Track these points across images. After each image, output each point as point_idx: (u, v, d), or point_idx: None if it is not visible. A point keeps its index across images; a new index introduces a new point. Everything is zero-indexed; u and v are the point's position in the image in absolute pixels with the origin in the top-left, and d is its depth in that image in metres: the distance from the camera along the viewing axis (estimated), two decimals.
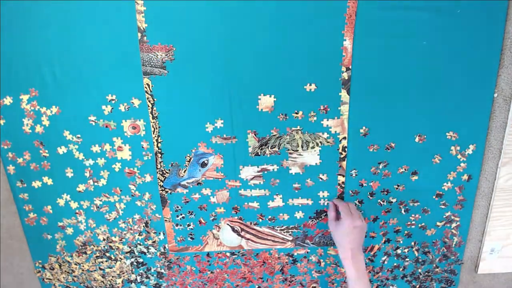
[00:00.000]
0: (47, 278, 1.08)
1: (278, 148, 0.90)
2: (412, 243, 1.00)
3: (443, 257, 1.02)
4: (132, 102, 0.86)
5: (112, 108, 0.87)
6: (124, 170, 0.92)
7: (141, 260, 1.04)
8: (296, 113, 0.86)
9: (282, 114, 0.86)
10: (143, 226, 0.99)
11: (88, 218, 0.99)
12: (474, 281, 1.06)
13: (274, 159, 0.91)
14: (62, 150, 0.91)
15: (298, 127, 0.88)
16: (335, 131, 0.88)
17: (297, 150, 0.90)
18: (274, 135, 0.88)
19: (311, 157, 0.91)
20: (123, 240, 1.01)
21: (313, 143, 0.89)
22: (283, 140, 0.89)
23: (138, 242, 1.01)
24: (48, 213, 0.99)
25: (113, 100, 0.86)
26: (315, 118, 0.86)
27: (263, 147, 0.89)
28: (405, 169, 0.91)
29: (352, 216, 0.86)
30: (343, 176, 0.92)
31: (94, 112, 0.87)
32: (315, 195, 0.94)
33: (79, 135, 0.89)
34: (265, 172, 0.92)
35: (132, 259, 1.04)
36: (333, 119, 0.86)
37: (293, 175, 0.92)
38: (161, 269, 1.05)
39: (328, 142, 0.89)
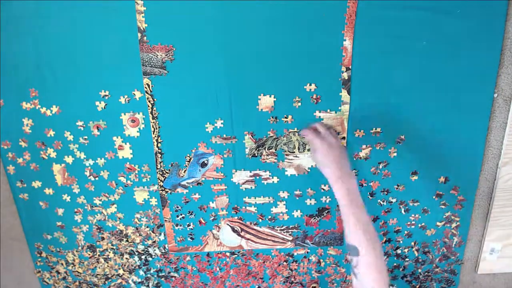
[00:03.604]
0: (47, 278, 1.09)
1: (275, 150, 0.90)
2: (412, 243, 1.00)
3: (443, 257, 1.02)
4: (132, 100, 0.86)
5: (106, 104, 0.87)
6: (125, 165, 0.92)
7: (139, 259, 1.04)
8: (285, 117, 0.86)
9: (273, 117, 0.86)
10: (149, 230, 0.99)
11: (86, 217, 0.99)
12: (474, 281, 1.06)
13: (271, 167, 0.91)
14: (62, 149, 0.91)
15: (296, 129, 0.88)
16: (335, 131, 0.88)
17: (294, 152, 0.90)
18: (271, 137, 0.88)
19: (308, 160, 0.91)
20: (124, 239, 1.02)
21: (310, 145, 0.89)
22: (280, 142, 0.89)
23: (139, 241, 1.02)
24: (48, 213, 0.99)
25: (107, 96, 0.86)
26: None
27: (260, 148, 0.89)
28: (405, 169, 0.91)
29: (320, 135, 0.80)
30: None
31: (93, 111, 0.87)
32: (316, 195, 0.94)
33: (86, 137, 0.90)
34: (257, 177, 0.92)
35: (136, 258, 1.04)
36: (331, 113, 0.86)
37: (289, 177, 0.92)
38: (168, 273, 1.05)
39: None
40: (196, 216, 0.98)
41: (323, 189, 0.94)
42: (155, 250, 1.02)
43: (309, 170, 0.92)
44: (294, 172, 0.92)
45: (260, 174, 0.92)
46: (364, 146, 0.89)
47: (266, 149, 0.90)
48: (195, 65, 0.83)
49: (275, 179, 0.92)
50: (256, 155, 0.90)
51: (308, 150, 0.89)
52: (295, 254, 1.02)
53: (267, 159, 0.90)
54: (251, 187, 0.94)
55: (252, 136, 0.88)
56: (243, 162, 0.91)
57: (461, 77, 0.82)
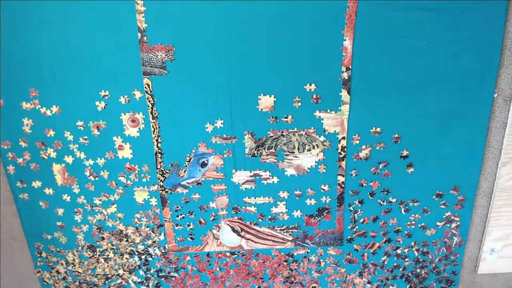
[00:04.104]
0: (47, 278, 1.09)
1: (275, 150, 0.90)
2: (412, 243, 1.00)
3: (443, 257, 1.02)
4: (132, 100, 0.86)
5: (106, 104, 0.87)
6: (125, 165, 0.92)
7: (139, 259, 1.04)
8: (286, 117, 0.86)
9: (273, 117, 0.86)
10: (148, 230, 0.99)
11: (86, 217, 0.99)
12: (474, 281, 1.06)
13: (271, 167, 0.91)
14: (62, 149, 0.91)
15: (295, 129, 0.88)
16: (334, 131, 0.88)
17: (293, 152, 0.90)
18: (271, 137, 0.89)
19: (307, 160, 0.91)
20: (124, 239, 1.02)
21: (309, 145, 0.89)
22: (279, 142, 0.89)
23: (139, 241, 1.02)
24: (48, 213, 0.99)
25: (107, 96, 0.86)
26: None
27: (260, 148, 0.89)
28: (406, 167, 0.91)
29: None
30: (343, 176, 0.92)
31: (92, 111, 0.87)
32: (316, 195, 0.94)
33: (86, 136, 0.90)
34: (257, 177, 0.92)
35: (136, 258, 1.04)
36: (331, 113, 0.86)
37: (289, 177, 0.92)
38: (168, 273, 1.05)
39: (324, 145, 0.89)
40: (196, 216, 0.98)
41: (323, 189, 0.94)
42: (155, 250, 1.02)
43: (309, 170, 0.92)
44: (294, 172, 0.92)
45: (260, 174, 0.92)
46: (364, 146, 0.89)
47: (266, 149, 0.90)
48: (195, 65, 0.83)
49: (275, 179, 0.92)
50: (256, 155, 0.90)
51: (308, 150, 0.89)
52: (295, 254, 1.02)
53: (266, 159, 0.90)
54: (251, 187, 0.94)
55: (252, 136, 0.88)
56: (243, 162, 0.91)
57: (461, 77, 0.82)
